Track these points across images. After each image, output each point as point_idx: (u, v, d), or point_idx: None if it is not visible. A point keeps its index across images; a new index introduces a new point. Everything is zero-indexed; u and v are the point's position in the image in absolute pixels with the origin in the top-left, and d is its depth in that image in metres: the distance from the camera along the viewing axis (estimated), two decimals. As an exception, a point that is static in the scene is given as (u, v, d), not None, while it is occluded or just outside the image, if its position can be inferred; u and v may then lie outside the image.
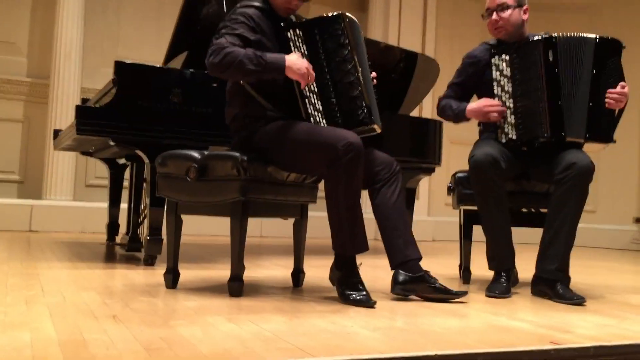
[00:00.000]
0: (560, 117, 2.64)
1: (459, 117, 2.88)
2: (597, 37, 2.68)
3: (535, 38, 2.70)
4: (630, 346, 1.72)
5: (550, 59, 2.65)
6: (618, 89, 2.65)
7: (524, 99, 2.70)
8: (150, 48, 5.77)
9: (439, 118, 4.26)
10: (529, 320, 2.07)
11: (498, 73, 2.76)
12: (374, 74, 2.52)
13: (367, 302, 2.19)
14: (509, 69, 2.73)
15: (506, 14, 2.78)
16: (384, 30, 6.93)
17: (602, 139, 2.73)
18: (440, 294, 2.33)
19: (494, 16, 2.80)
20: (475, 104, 2.81)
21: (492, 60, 2.77)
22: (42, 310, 1.86)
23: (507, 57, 2.74)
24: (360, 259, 2.38)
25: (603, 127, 2.70)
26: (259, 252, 4.43)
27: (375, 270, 3.35)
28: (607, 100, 2.64)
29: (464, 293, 2.37)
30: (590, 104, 2.66)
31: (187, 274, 2.82)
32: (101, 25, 6.10)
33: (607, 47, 2.69)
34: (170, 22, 3.85)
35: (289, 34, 2.36)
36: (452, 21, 7.24)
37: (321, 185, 2.48)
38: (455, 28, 7.17)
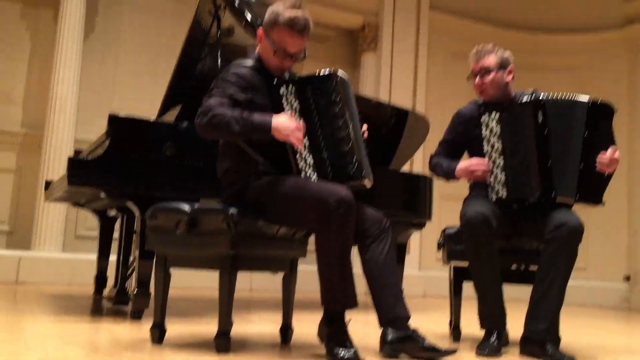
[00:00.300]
0: (550, 177, 2.67)
1: (449, 176, 2.92)
2: (590, 100, 2.73)
3: (524, 99, 2.76)
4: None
5: (540, 120, 2.69)
6: (609, 153, 2.69)
7: (514, 158, 2.73)
8: (146, 101, 5.84)
9: (429, 173, 4.33)
10: (518, 380, 2.04)
11: (488, 131, 2.80)
12: (365, 126, 2.55)
13: (356, 360, 2.16)
14: (498, 128, 2.77)
15: (489, 78, 2.85)
16: (375, 87, 7.07)
17: (591, 201, 2.76)
18: (429, 353, 2.30)
19: (477, 80, 2.87)
20: (462, 163, 2.85)
21: (482, 118, 2.81)
22: (25, 366, 1.83)
23: (497, 116, 2.77)
24: (349, 315, 2.37)
25: (593, 189, 2.74)
26: (248, 306, 4.38)
27: (365, 326, 3.31)
28: (598, 163, 2.68)
29: (453, 351, 2.34)
30: (582, 165, 2.69)
31: (174, 328, 2.78)
32: (97, 77, 6.19)
33: (599, 111, 2.74)
34: (165, 75, 3.92)
35: (281, 90, 2.41)
36: (443, 79, 7.41)
37: (311, 238, 2.49)
38: (446, 86, 7.33)
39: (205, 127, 2.33)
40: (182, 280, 5.11)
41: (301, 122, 2.35)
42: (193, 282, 5.24)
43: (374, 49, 7.22)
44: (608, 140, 2.74)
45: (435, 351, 2.31)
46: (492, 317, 2.66)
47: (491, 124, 2.79)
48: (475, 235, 2.62)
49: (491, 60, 2.87)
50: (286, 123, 2.31)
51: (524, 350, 2.59)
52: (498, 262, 2.67)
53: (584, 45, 7.59)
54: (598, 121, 2.73)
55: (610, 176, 2.74)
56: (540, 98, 2.72)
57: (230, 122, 2.28)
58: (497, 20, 7.73)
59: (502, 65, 2.86)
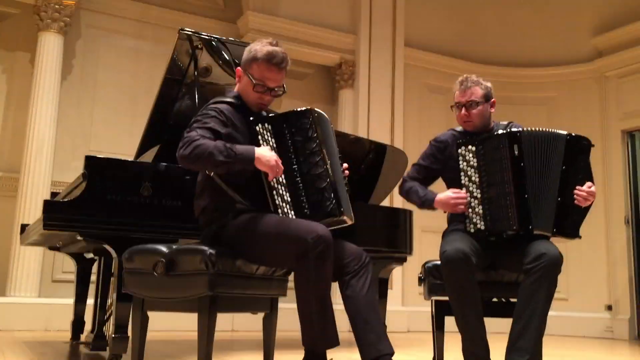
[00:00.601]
0: (527, 210, 2.68)
1: (425, 205, 2.92)
2: (568, 134, 2.77)
3: (501, 131, 2.79)
4: None
5: (516, 153, 2.72)
6: (586, 187, 2.72)
7: (491, 190, 2.74)
8: (124, 143, 5.80)
9: (409, 207, 4.33)
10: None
11: (465, 163, 2.81)
12: (345, 165, 2.56)
13: (339, 400, 2.13)
14: (475, 160, 2.79)
15: (475, 110, 2.89)
16: (353, 123, 7.13)
17: (568, 235, 2.78)
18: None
19: (463, 111, 2.90)
20: (443, 195, 2.86)
21: (459, 150, 2.83)
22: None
23: (473, 148, 2.80)
24: (331, 354, 2.33)
25: (570, 223, 2.76)
26: (230, 347, 4.30)
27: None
28: (576, 197, 2.71)
29: None
30: (559, 199, 2.72)
31: (153, 373, 2.72)
32: (74, 120, 6.16)
33: (576, 145, 2.77)
34: (143, 117, 3.90)
35: (257, 128, 2.42)
36: (419, 112, 7.49)
37: (291, 276, 2.46)
38: (423, 119, 7.41)
39: (187, 158, 2.31)
40: (161, 322, 5.04)
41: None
42: (173, 325, 5.15)
43: (351, 85, 7.30)
44: (585, 175, 2.77)
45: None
46: (476, 353, 2.64)
47: (468, 156, 2.81)
48: (456, 274, 2.61)
49: (478, 92, 2.91)
50: (268, 154, 2.32)
51: (507, 383, 2.57)
52: (479, 299, 2.65)
53: (556, 78, 7.76)
54: (576, 155, 2.77)
55: (587, 210, 2.77)
56: (517, 131, 2.75)
57: (213, 152, 2.27)
58: (470, 55, 7.89)
59: (487, 97, 2.91)
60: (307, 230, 2.23)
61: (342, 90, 7.34)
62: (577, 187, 2.73)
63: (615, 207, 7.16)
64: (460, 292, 2.62)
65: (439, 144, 3.02)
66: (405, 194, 3.03)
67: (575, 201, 2.71)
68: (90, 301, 4.13)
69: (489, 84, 2.96)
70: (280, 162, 2.33)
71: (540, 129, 2.78)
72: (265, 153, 2.32)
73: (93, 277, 4.16)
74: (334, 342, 2.30)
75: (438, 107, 7.31)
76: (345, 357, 3.44)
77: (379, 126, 7.19)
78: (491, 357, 2.80)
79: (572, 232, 2.77)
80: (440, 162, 3.00)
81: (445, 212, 2.97)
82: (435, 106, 7.42)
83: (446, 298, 2.80)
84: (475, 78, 2.95)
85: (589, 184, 2.74)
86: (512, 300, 2.92)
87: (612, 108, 7.37)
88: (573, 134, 2.79)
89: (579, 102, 7.55)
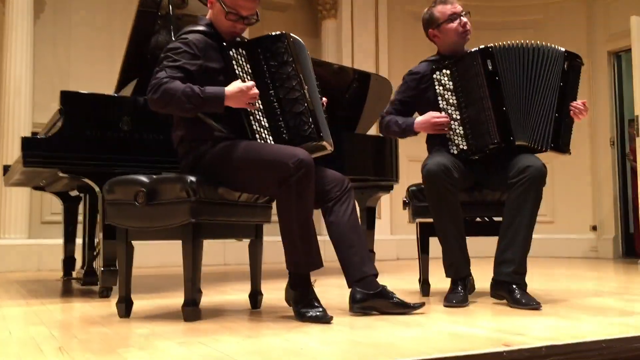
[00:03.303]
0: (507, 122, 2.68)
1: (406, 131, 2.91)
2: (565, 50, 2.77)
3: (474, 49, 2.77)
4: (582, 344, 1.73)
5: (490, 67, 2.70)
6: (580, 102, 2.75)
7: (470, 109, 2.74)
8: (102, 82, 5.65)
9: (381, 132, 4.32)
10: (484, 326, 2.07)
11: (441, 87, 2.80)
12: (324, 99, 2.54)
13: (324, 318, 2.17)
14: (451, 83, 2.78)
15: (470, 21, 2.87)
16: (337, 54, 7.02)
17: (562, 150, 2.80)
18: (399, 309, 2.32)
19: (464, 19, 2.86)
20: (422, 117, 2.84)
21: (434, 75, 2.81)
22: (-15, 347, 1.79)
23: (448, 72, 2.79)
24: (314, 277, 2.36)
25: (565, 138, 2.78)
26: (222, 279, 4.36)
27: (330, 288, 3.33)
28: (573, 110, 2.74)
29: (422, 305, 2.37)
30: (556, 115, 2.72)
31: (142, 303, 2.76)
32: (51, 60, 6.02)
33: (573, 61, 2.79)
34: (121, 54, 3.81)
35: (231, 53, 2.37)
36: (404, 41, 7.37)
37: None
38: (408, 48, 7.29)
39: (155, 102, 2.29)
40: (152, 259, 5.09)
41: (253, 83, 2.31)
42: (164, 261, 5.21)
43: (334, 15, 7.15)
44: (575, 91, 2.79)
45: (405, 306, 2.32)
46: (457, 266, 2.69)
47: (444, 79, 2.80)
48: (437, 186, 2.63)
49: (459, 6, 2.90)
50: (238, 89, 2.27)
51: (493, 294, 2.64)
52: (460, 212, 2.69)
53: (542, 1, 7.62)
54: (572, 72, 2.79)
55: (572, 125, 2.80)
56: (488, 46, 2.72)
57: (180, 97, 2.24)
58: (455, -20, 7.70)
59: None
60: (287, 155, 2.21)
61: (325, 21, 7.19)
62: (574, 103, 2.75)
63: (600, 129, 7.19)
64: (440, 204, 2.65)
65: (414, 76, 2.98)
66: (385, 128, 3.00)
67: (572, 114, 2.73)
68: (79, 240, 4.15)
69: None
70: (254, 85, 2.29)
71: (519, 42, 2.75)
72: (235, 90, 2.26)
73: (81, 218, 4.17)
74: (318, 264, 2.32)
75: (423, 35, 7.16)
76: (330, 282, 3.50)
77: (364, 56, 7.09)
78: (477, 277, 2.86)
79: (565, 147, 2.80)
80: (416, 94, 2.96)
81: (426, 139, 2.97)
82: (420, 34, 7.14)
83: (430, 220, 2.83)
84: None
85: (583, 101, 2.77)
86: (496, 219, 2.96)
87: (599, 30, 7.29)
88: (569, 51, 2.78)
89: (566, 24, 7.44)
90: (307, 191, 2.25)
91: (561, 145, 2.77)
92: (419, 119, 2.85)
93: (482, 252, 3.63)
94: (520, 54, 2.74)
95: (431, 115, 2.79)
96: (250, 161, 2.27)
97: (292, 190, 2.21)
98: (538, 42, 2.77)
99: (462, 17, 2.86)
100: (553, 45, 2.79)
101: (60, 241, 4.38)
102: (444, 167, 2.61)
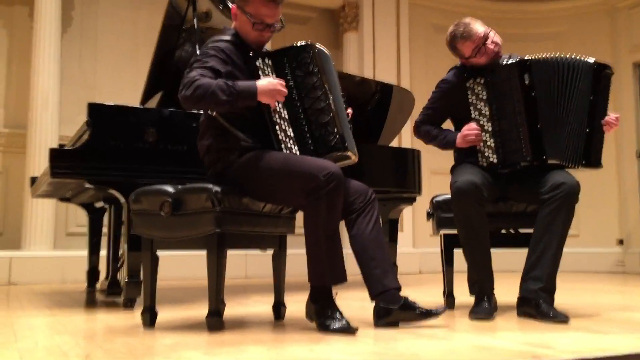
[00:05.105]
0: (541, 140, 2.63)
1: (447, 147, 2.86)
2: (595, 61, 2.69)
3: (511, 60, 2.69)
4: (610, 358, 1.70)
5: (527, 82, 2.64)
6: (613, 116, 2.71)
7: (502, 122, 2.68)
8: (128, 93, 5.77)
9: (417, 147, 4.29)
10: (511, 339, 2.04)
11: (474, 97, 2.75)
12: (349, 110, 2.55)
13: (349, 330, 2.15)
14: (484, 92, 2.72)
15: (496, 34, 2.77)
16: (359, 66, 7.03)
17: (595, 165, 2.75)
18: (424, 317, 2.29)
19: (493, 38, 2.74)
20: (459, 133, 2.79)
21: (467, 84, 2.75)
22: (12, 355, 1.81)
23: (482, 80, 2.73)
24: (335, 290, 2.35)
25: (596, 153, 2.73)
26: (243, 291, 4.37)
27: (352, 302, 3.30)
28: (606, 124, 2.69)
29: (445, 309, 2.32)
30: (587, 130, 2.67)
31: (167, 314, 2.77)
32: (78, 73, 6.12)
33: (602, 72, 2.71)
34: (146, 66, 3.87)
35: (257, 63, 2.39)
36: (426, 52, 7.36)
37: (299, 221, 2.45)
38: (429, 59, 7.29)
39: (190, 99, 2.28)
40: (174, 271, 5.11)
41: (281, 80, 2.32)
42: (186, 274, 5.23)
43: (355, 28, 7.17)
44: (606, 103, 2.74)
45: (429, 314, 2.29)
46: (482, 284, 2.65)
47: (477, 88, 2.74)
48: (466, 205, 2.59)
49: (479, 25, 2.79)
50: (269, 83, 2.28)
51: (519, 311, 2.59)
52: (487, 229, 2.65)
53: (565, 12, 7.57)
54: (602, 84, 2.71)
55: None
56: (526, 59, 2.67)
57: (215, 91, 2.24)
58: (476, -8, 7.70)
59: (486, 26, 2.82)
60: (318, 167, 2.22)
61: (347, 34, 7.21)
62: (608, 117, 2.70)
63: (626, 140, 7.08)
64: (468, 223, 2.62)
65: (447, 84, 2.91)
66: (424, 136, 2.94)
67: (605, 128, 2.69)
68: (104, 252, 4.19)
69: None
70: (282, 83, 2.30)
71: (554, 55, 2.68)
72: (267, 84, 2.28)
73: (105, 230, 4.21)
74: (342, 278, 2.31)
75: (445, 46, 7.14)
76: (352, 296, 3.48)
77: (385, 68, 7.08)
78: (501, 292, 2.81)
79: (598, 162, 2.75)
80: (448, 102, 2.90)
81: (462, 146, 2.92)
82: (441, 46, 7.18)
83: (455, 231, 2.80)
84: (466, 19, 2.83)
85: (612, 113, 2.72)
86: (521, 230, 2.92)
87: (622, 40, 7.21)
88: (599, 62, 2.70)
89: (589, 35, 7.37)
90: (336, 204, 2.25)
91: (592, 160, 2.72)
92: (457, 135, 2.79)
93: (506, 266, 3.59)
94: (556, 67, 2.67)
95: (464, 131, 2.75)
96: (279, 172, 2.28)
97: (322, 203, 2.22)
98: (570, 54, 2.71)
99: (487, 44, 2.73)
100: (582, 57, 2.71)
101: (84, 253, 4.42)
102: (475, 186, 2.57)
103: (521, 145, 2.65)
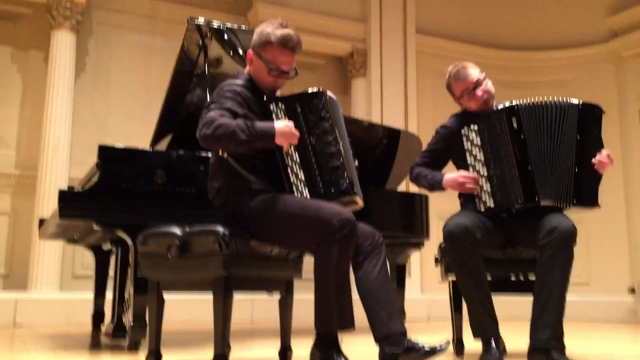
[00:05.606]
0: (532, 182, 2.66)
1: (434, 187, 2.92)
2: (580, 102, 2.74)
3: (500, 106, 2.78)
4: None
5: (515, 126, 2.70)
6: (604, 154, 2.71)
7: (496, 166, 2.73)
8: (139, 137, 5.78)
9: (424, 192, 4.30)
10: (523, 387, 1.99)
11: (469, 143, 2.81)
12: (355, 162, 2.57)
13: (356, 376, 2.11)
14: (478, 139, 2.78)
15: (489, 84, 2.89)
16: (367, 111, 7.09)
17: (588, 204, 2.74)
18: (430, 355, 2.23)
19: (484, 86, 2.87)
20: (451, 175, 2.84)
21: (462, 131, 2.83)
22: (15, 398, 1.78)
23: (476, 127, 2.79)
24: (341, 336, 2.31)
25: (588, 192, 2.73)
26: (249, 335, 4.31)
27: (359, 347, 3.25)
28: (597, 163, 2.69)
29: (447, 343, 2.24)
30: (576, 170, 2.69)
31: (172, 358, 2.73)
32: (89, 116, 6.20)
33: (590, 113, 2.75)
34: (157, 111, 3.92)
35: (271, 107, 2.43)
36: (433, 98, 7.42)
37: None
38: (436, 105, 7.34)
39: (210, 137, 2.29)
40: (179, 314, 5.06)
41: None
42: (191, 317, 5.18)
43: (363, 74, 7.27)
44: (599, 143, 2.75)
45: (434, 352, 2.22)
46: (484, 327, 2.62)
47: (471, 135, 2.80)
48: (457, 247, 2.61)
49: (475, 71, 2.92)
50: (286, 126, 2.33)
51: (531, 360, 2.54)
52: (483, 271, 2.64)
53: (571, 60, 7.66)
54: (590, 124, 2.74)
55: (600, 178, 2.75)
56: (514, 105, 2.73)
57: (235, 130, 2.26)
58: (482, 40, 7.82)
59: (482, 72, 2.91)
60: (332, 213, 2.23)
61: (355, 80, 7.31)
62: (599, 155, 2.70)
63: (635, 187, 7.06)
64: (462, 264, 2.62)
65: (445, 130, 3.02)
66: (415, 179, 3.03)
67: (595, 167, 2.69)
68: (110, 295, 4.16)
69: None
70: (293, 127, 2.34)
71: (542, 100, 2.74)
72: (284, 127, 2.32)
73: (111, 273, 4.19)
74: (350, 324, 2.29)
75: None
76: (361, 341, 3.43)
77: (393, 114, 7.15)
78: (514, 339, 2.76)
79: (591, 201, 2.73)
80: (447, 147, 2.99)
81: (459, 195, 2.95)
82: (448, 93, 7.34)
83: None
84: (461, 63, 2.98)
85: (606, 150, 2.72)
86: (531, 277, 2.89)
87: (629, 88, 7.26)
88: (585, 102, 2.75)
89: (595, 84, 7.44)
90: (348, 250, 2.25)
91: (584, 200, 2.72)
92: (447, 176, 2.85)
93: (516, 312, 3.53)
94: (543, 110, 2.73)
95: (460, 174, 2.79)
96: (296, 216, 2.28)
97: (334, 248, 2.22)
98: (557, 98, 2.76)
99: (477, 90, 2.87)
100: (568, 100, 2.76)
101: (90, 296, 4.40)
102: (464, 227, 2.59)
103: (514, 188, 2.68)
